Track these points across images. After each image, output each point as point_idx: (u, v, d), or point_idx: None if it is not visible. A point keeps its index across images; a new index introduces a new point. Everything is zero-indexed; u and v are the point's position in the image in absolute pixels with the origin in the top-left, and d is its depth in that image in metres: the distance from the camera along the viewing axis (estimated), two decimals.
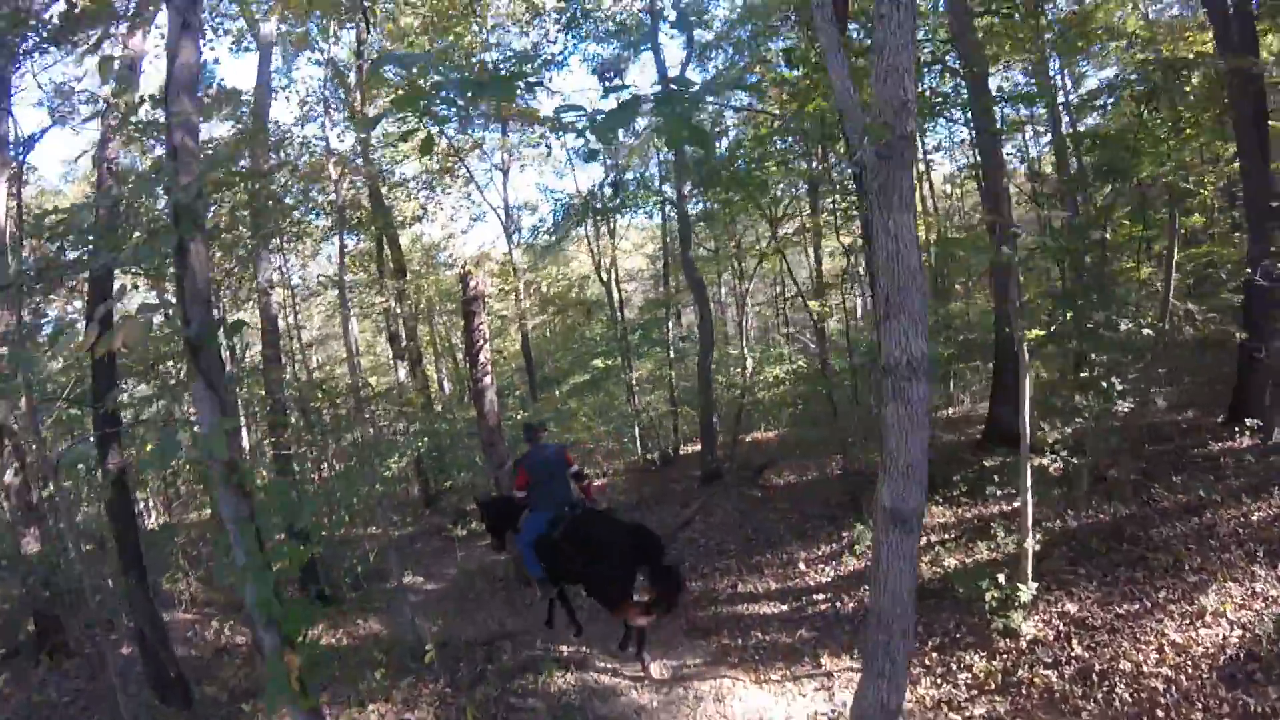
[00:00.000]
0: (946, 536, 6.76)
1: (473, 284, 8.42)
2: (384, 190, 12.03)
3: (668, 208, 13.75)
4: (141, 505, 13.88)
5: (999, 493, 7.07)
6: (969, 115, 8.77)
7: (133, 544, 6.00)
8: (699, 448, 14.04)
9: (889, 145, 2.82)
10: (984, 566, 5.85)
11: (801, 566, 7.12)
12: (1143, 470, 6.66)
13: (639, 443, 13.83)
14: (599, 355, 14.86)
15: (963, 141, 12.86)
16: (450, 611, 8.00)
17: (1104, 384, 6.11)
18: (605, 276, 15.73)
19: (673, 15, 11.74)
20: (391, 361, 15.18)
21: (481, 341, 8.61)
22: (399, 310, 13.36)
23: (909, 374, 2.93)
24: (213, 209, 7.50)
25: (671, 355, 15.55)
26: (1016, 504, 6.10)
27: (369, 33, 10.60)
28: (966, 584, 5.47)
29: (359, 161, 10.27)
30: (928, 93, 8.48)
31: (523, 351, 15.41)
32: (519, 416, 15.51)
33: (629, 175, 13.98)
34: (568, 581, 5.52)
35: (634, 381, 14.59)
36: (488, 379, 8.65)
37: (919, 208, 7.89)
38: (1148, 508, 6.12)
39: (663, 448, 13.65)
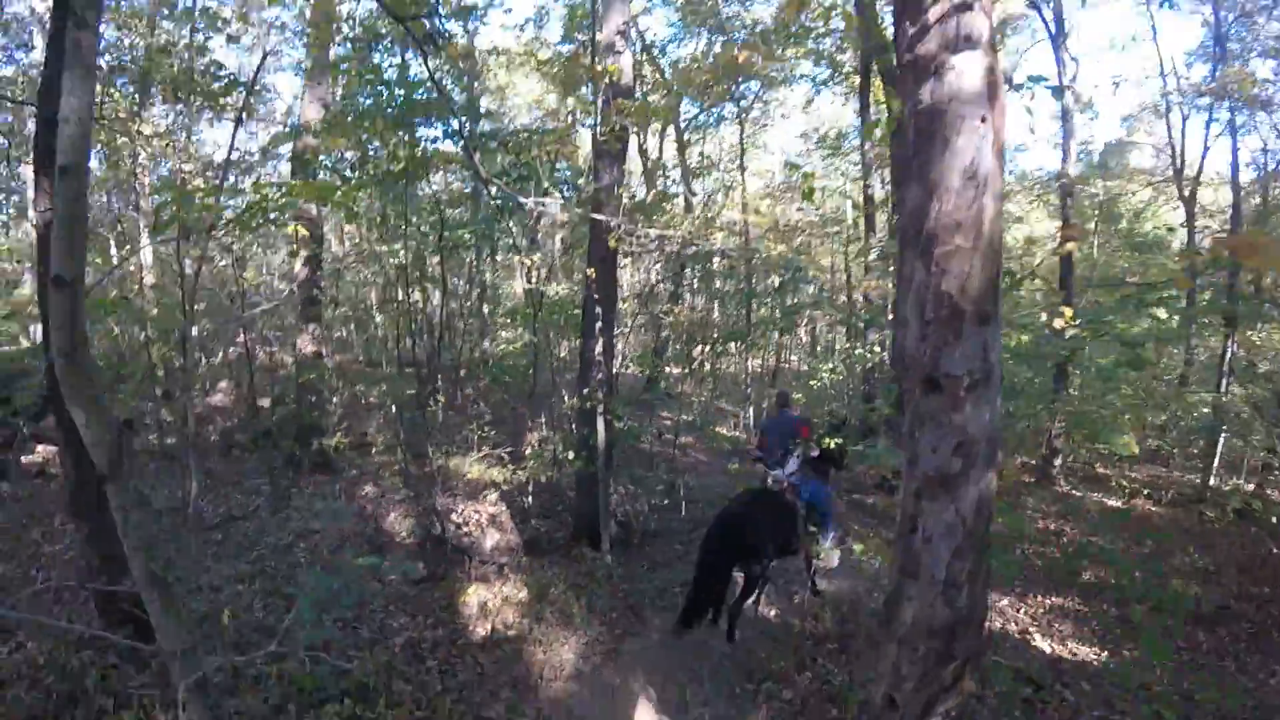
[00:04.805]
0: None
1: None
2: None
3: None
4: None
5: None
6: None
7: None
8: None
9: None
10: None
11: None
12: None
13: (1216, 464, 8.40)
14: (1162, 301, 9.45)
15: None
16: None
17: None
18: (1185, 190, 9.98)
19: None
20: None
21: None
22: None
23: None
24: None
25: None
26: None
27: None
28: None
29: None
30: None
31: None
32: (1022, 343, 11.01)
33: None
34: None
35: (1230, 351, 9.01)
36: None
37: None
38: None
39: (1245, 488, 8.10)
